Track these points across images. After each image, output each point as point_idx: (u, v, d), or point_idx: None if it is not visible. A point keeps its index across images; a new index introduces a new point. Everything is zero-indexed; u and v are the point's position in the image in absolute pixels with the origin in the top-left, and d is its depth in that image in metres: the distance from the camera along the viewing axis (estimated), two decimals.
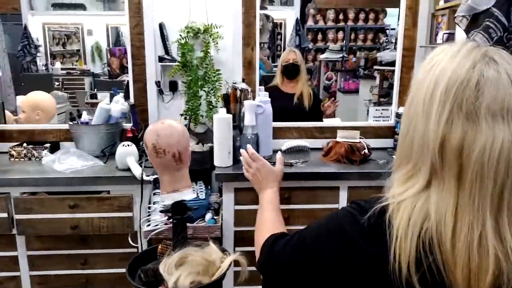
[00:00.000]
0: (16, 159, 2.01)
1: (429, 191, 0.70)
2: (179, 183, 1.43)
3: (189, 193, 1.46)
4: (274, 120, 2.08)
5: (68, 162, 1.87)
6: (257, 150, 1.88)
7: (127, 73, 2.09)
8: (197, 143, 2.06)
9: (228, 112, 1.94)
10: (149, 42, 2.04)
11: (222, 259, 1.54)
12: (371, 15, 3.78)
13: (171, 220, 1.53)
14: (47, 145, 2.05)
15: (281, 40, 3.92)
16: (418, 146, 0.72)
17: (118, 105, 2.03)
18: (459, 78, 0.67)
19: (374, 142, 2.06)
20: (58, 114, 2.58)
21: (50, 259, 1.87)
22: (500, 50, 0.72)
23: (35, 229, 1.79)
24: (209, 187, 2.06)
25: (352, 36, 3.83)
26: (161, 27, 2.03)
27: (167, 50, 2.04)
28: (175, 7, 2.05)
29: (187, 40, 1.98)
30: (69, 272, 1.88)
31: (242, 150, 1.49)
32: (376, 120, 2.20)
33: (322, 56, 3.66)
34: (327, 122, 2.25)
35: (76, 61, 3.78)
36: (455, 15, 1.79)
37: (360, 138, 1.96)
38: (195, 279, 1.40)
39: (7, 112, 2.32)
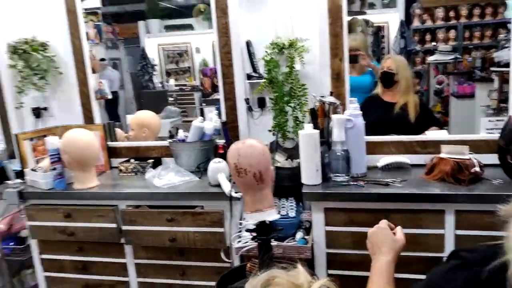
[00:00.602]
0: (124, 174, 2.23)
1: None
2: (261, 203, 1.42)
3: (272, 214, 1.44)
4: (373, 132, 1.97)
5: (167, 178, 2.01)
6: (348, 167, 1.79)
7: (218, 91, 2.17)
8: (286, 159, 2.04)
9: (316, 127, 1.88)
10: (237, 60, 2.09)
11: (310, 283, 1.48)
12: (488, 10, 3.41)
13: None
14: (150, 161, 2.23)
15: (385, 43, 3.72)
16: None
17: (211, 123, 2.12)
18: None
19: (487, 158, 1.78)
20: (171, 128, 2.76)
21: (153, 268, 2.02)
22: None
23: (139, 240, 1.96)
24: (300, 204, 2.02)
25: (467, 34, 3.48)
26: (248, 45, 2.07)
27: (254, 67, 2.07)
28: (261, 24, 2.07)
29: (273, 56, 1.98)
30: (170, 282, 2.01)
31: None
32: (490, 132, 1.92)
33: (431, 58, 3.38)
34: (430, 135, 2.03)
35: (188, 77, 4.07)
36: None
37: (469, 153, 1.73)
38: None
39: (118, 130, 2.59)
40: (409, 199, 1.62)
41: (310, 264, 1.73)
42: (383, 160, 1.94)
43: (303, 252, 1.71)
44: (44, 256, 2.14)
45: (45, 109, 2.48)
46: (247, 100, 2.13)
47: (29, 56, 2.30)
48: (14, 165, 2.22)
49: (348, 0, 2.61)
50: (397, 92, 2.35)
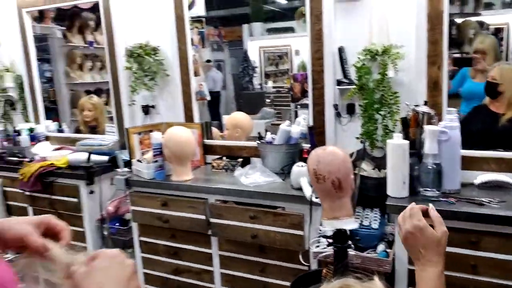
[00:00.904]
0: (216, 170, 2.38)
1: None
2: (339, 211, 1.42)
3: (350, 223, 1.43)
4: (474, 144, 1.84)
5: (253, 177, 2.11)
6: (439, 182, 1.69)
7: (307, 96, 2.20)
8: (373, 168, 1.99)
9: (407, 137, 1.81)
10: (328, 66, 2.09)
11: None
12: None
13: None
14: (240, 160, 2.36)
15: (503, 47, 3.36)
16: None
17: (298, 127, 2.17)
18: None
19: None
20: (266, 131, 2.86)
21: (236, 261, 2.13)
22: None
23: (224, 233, 2.09)
24: (386, 216, 1.96)
25: None
26: (340, 51, 2.06)
27: (345, 73, 2.06)
28: (355, 30, 2.04)
29: (365, 62, 1.95)
30: (250, 277, 2.10)
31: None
32: None
33: None
34: None
35: (286, 79, 4.16)
36: None
37: None
38: None
39: (215, 129, 2.77)
40: (505, 222, 1.47)
41: (389, 279, 1.67)
42: (481, 177, 1.79)
43: (383, 265, 1.66)
44: (143, 239, 2.39)
45: (153, 107, 2.76)
46: (335, 106, 2.12)
47: (142, 59, 2.59)
48: (124, 155, 2.52)
49: (461, 1, 2.45)
50: (504, 104, 2.13)
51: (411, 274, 1.64)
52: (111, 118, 2.99)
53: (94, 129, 3.19)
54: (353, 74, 2.05)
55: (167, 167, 2.28)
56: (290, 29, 4.05)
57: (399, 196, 1.71)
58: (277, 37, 4.29)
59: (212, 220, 2.10)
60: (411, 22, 1.91)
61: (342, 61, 2.07)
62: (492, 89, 2.11)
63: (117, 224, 2.61)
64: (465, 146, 1.79)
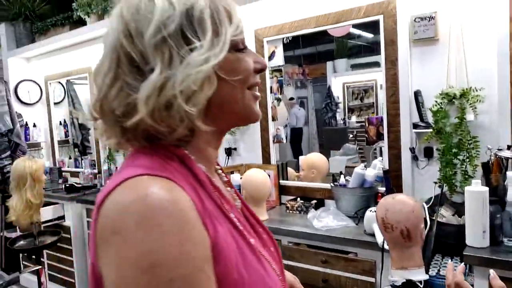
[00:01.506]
0: (290, 211, 2.44)
1: None
2: (407, 261, 1.39)
3: (419, 274, 1.38)
4: None
5: (325, 220, 2.12)
6: None
7: (383, 139, 2.19)
8: (453, 215, 1.89)
9: (488, 183, 1.70)
10: (404, 110, 2.08)
11: None
12: None
13: None
14: (314, 201, 2.39)
15: None
16: None
17: (373, 170, 2.15)
18: None
19: None
20: (346, 167, 2.88)
21: None
22: None
23: (297, 276, 2.10)
24: (467, 266, 1.82)
25: None
26: (416, 94, 2.04)
27: (421, 117, 2.02)
28: (432, 73, 2.02)
29: (442, 106, 1.90)
30: None
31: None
32: None
33: None
34: None
35: (371, 113, 4.11)
36: None
37: None
38: None
39: (291, 170, 2.86)
40: None
41: None
42: None
43: None
44: None
45: (235, 149, 2.95)
46: (412, 150, 2.08)
47: None
48: None
49: None
50: None
51: None
52: None
53: None
54: (430, 117, 2.01)
55: None
56: (375, 64, 4.04)
57: (479, 246, 1.60)
58: (361, 72, 4.27)
59: (285, 261, 2.14)
60: (491, 63, 1.84)
61: (419, 104, 2.04)
62: None
63: None
64: None
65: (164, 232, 0.49)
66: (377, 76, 4.07)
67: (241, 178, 2.38)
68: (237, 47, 0.62)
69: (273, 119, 2.74)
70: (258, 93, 0.67)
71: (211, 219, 0.55)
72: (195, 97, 0.56)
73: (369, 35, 2.76)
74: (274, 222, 2.29)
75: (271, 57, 2.71)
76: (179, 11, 0.57)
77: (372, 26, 2.26)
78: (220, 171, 0.75)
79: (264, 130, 2.73)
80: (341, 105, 4.17)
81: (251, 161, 2.78)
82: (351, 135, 3.88)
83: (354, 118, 4.12)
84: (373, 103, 4.07)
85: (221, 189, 0.65)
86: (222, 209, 0.60)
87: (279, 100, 2.77)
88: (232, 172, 2.70)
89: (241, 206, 0.73)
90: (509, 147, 1.74)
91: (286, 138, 2.89)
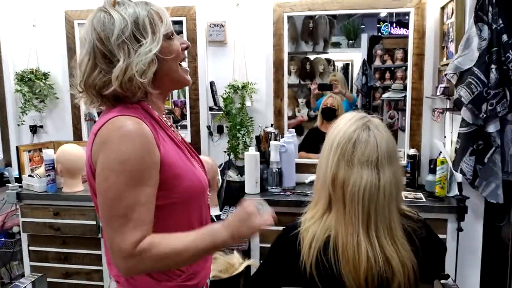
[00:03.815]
0: None
1: (329, 214, 1.07)
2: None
3: (215, 211, 1.96)
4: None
5: None
6: (281, 182, 2.34)
7: (186, 119, 2.72)
8: (237, 175, 2.58)
9: (259, 150, 2.44)
10: (202, 96, 2.66)
11: (241, 263, 2.00)
12: None
13: None
14: None
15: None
16: (321, 183, 1.09)
17: None
18: (345, 137, 1.06)
19: None
20: None
21: None
22: (377, 120, 1.11)
23: None
24: None
25: None
26: (211, 84, 2.64)
27: (215, 102, 2.64)
28: (223, 69, 2.65)
29: (229, 94, 2.56)
30: None
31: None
32: None
33: (384, 96, 3.68)
34: None
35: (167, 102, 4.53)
36: (445, 72, 2.10)
37: None
38: (215, 275, 1.88)
39: None
40: None
41: (246, 253, 2.23)
42: (311, 177, 2.50)
43: (241, 245, 2.22)
44: (32, 248, 2.56)
45: (41, 126, 2.96)
46: (208, 127, 2.68)
47: (33, 83, 2.82)
48: (12, 173, 2.67)
49: (314, 43, 3.19)
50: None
51: (261, 251, 2.25)
52: None
53: None
54: (221, 103, 2.64)
55: (58, 181, 2.53)
56: None
57: (253, 192, 2.31)
58: None
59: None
60: (263, 65, 2.59)
61: (213, 92, 2.64)
62: (332, 114, 2.81)
63: (2, 238, 2.72)
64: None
65: (133, 144, 0.90)
66: None
67: (54, 153, 2.49)
68: (168, 36, 1.01)
69: None
70: (186, 67, 1.08)
71: (161, 142, 0.97)
72: (145, 73, 0.95)
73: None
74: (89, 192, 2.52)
75: None
76: (129, 22, 0.95)
77: (179, 25, 2.72)
78: (164, 118, 1.11)
79: (75, 108, 2.87)
80: None
81: (60, 139, 2.87)
82: None
83: None
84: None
85: (167, 125, 1.07)
86: (168, 134, 1.02)
87: None
88: (40, 149, 2.74)
89: (181, 138, 1.13)
90: (272, 125, 2.52)
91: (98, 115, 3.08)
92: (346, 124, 1.10)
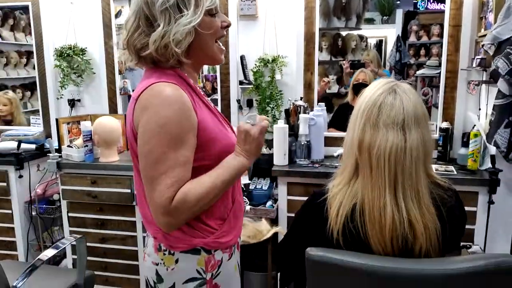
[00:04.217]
0: None
1: (356, 179, 1.09)
2: None
3: (244, 179, 2.01)
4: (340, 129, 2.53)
5: None
6: (309, 155, 2.36)
7: (217, 92, 2.76)
8: (266, 147, 2.61)
9: (288, 123, 2.46)
10: (232, 70, 2.69)
11: (268, 230, 2.05)
12: None
13: None
14: None
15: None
16: (348, 149, 1.11)
17: None
18: (371, 101, 1.08)
19: None
20: None
21: None
22: (406, 84, 1.11)
23: None
24: (274, 183, 2.58)
25: None
26: (242, 58, 2.66)
27: (245, 76, 2.67)
28: (253, 43, 2.67)
29: (259, 68, 2.58)
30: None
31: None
32: None
33: (418, 72, 3.73)
34: None
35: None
36: (482, 43, 2.04)
37: None
38: (245, 240, 1.94)
39: None
40: None
41: (274, 221, 2.28)
42: (339, 151, 2.50)
43: (269, 214, 2.27)
44: (71, 214, 2.71)
45: (78, 100, 3.09)
46: (238, 101, 2.72)
47: (71, 59, 2.94)
48: (52, 144, 2.81)
49: (346, 19, 3.15)
50: None
51: (288, 219, 2.29)
52: (34, 111, 3.23)
53: (9, 123, 3.34)
54: (251, 76, 2.66)
55: (95, 151, 2.65)
56: None
57: (282, 164, 2.34)
58: None
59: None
60: (293, 38, 2.59)
61: (243, 66, 2.67)
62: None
63: (43, 205, 2.89)
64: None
65: (172, 109, 0.96)
66: None
67: (92, 125, 2.61)
68: (211, 12, 1.05)
69: (120, 72, 3.00)
70: (223, 47, 1.13)
71: (198, 108, 1.03)
72: (181, 43, 1.00)
73: None
74: (125, 161, 2.63)
75: (117, 15, 2.93)
76: None
77: None
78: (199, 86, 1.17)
79: (111, 82, 2.97)
80: None
81: (96, 112, 2.99)
82: None
83: None
84: None
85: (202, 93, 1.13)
86: (203, 101, 1.08)
87: None
88: (78, 121, 2.86)
89: (214, 106, 1.17)
90: (301, 99, 2.53)
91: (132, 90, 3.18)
92: (373, 89, 1.11)
